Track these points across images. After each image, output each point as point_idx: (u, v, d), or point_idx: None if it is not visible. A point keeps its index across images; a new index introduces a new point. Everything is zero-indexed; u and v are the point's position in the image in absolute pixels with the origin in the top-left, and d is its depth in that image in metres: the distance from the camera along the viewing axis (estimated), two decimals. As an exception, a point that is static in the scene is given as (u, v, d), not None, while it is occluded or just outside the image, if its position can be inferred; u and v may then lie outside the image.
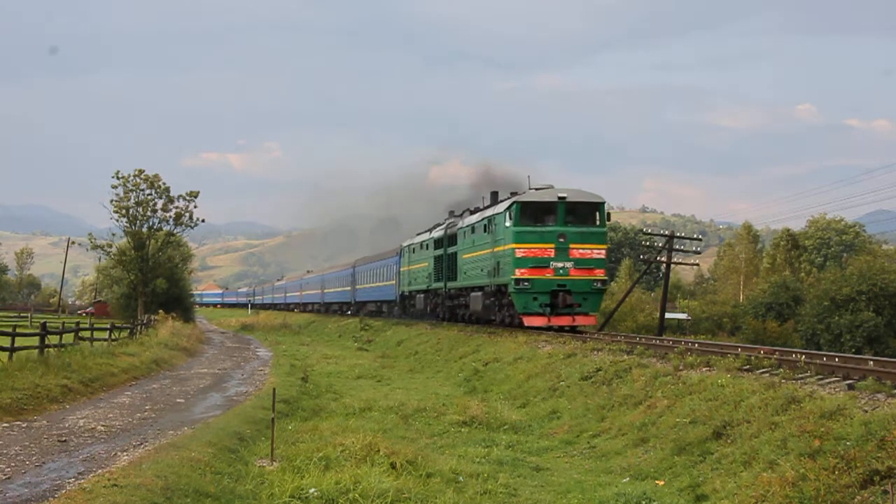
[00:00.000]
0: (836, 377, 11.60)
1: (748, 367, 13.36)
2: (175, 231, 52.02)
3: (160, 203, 50.39)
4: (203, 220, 53.15)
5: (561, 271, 24.88)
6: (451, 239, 34.03)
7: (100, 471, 9.47)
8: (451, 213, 38.35)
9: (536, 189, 26.52)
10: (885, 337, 40.09)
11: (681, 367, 14.70)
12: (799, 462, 8.66)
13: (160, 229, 51.31)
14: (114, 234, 51.40)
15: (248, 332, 57.73)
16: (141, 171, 50.12)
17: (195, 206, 51.34)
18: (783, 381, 11.76)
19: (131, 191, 49.59)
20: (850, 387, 10.68)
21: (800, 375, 12.05)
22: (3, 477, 9.21)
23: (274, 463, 11.14)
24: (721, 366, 13.76)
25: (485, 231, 28.54)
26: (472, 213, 33.20)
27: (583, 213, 25.63)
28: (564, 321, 25.28)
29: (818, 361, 13.28)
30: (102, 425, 13.07)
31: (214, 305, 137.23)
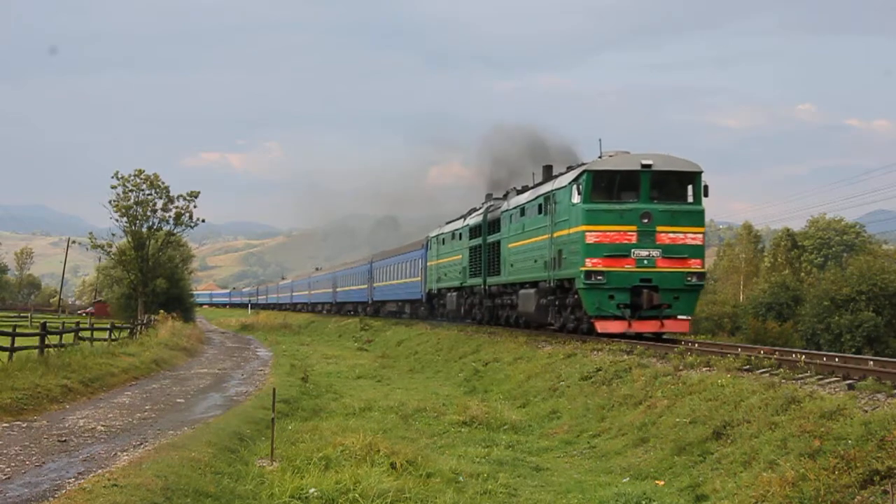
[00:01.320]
0: (836, 377, 11.60)
1: (748, 367, 13.36)
2: (175, 231, 52.05)
3: (160, 203, 50.46)
4: (203, 220, 53.20)
5: (645, 262, 19.81)
6: (492, 225, 28.94)
7: (100, 471, 9.46)
8: (490, 197, 32.70)
9: (610, 155, 21.05)
10: (885, 337, 40.08)
11: (681, 367, 14.70)
12: (799, 462, 8.66)
13: (160, 229, 51.34)
14: (114, 234, 51.43)
15: (248, 332, 57.74)
16: (141, 171, 50.15)
17: (195, 206, 51.42)
18: (783, 381, 11.77)
19: (131, 191, 49.63)
20: (850, 387, 10.68)
21: (800, 375, 12.05)
22: (3, 477, 9.21)
23: (274, 463, 11.14)
24: (721, 366, 13.76)
25: (540, 212, 23.13)
26: (520, 192, 27.14)
27: (674, 186, 20.36)
28: (650, 327, 20.17)
29: (818, 361, 13.28)
30: (102, 425, 13.06)
31: (223, 306, 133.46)
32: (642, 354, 17.13)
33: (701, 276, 20.31)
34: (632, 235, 19.81)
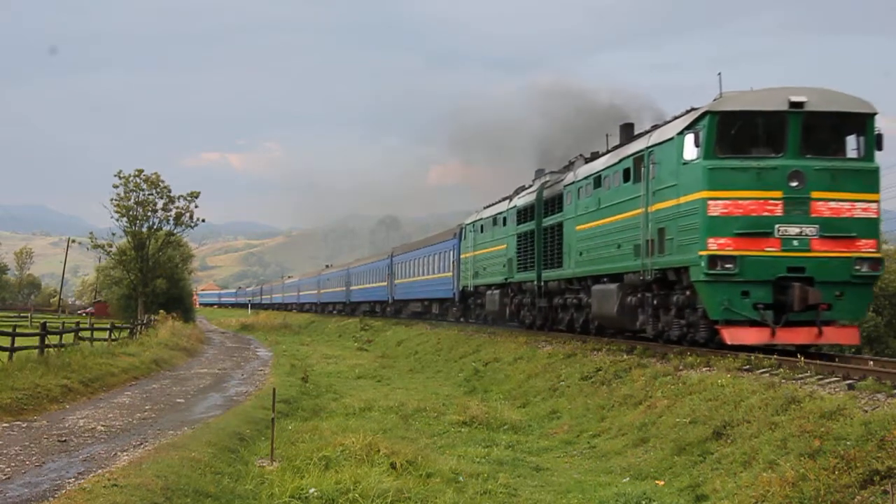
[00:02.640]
0: (836, 377, 11.59)
1: (748, 367, 13.35)
2: (175, 231, 52.10)
3: (160, 203, 50.51)
4: (203, 220, 53.25)
5: (795, 243, 14.28)
6: (549, 205, 23.52)
7: (100, 471, 9.47)
8: (541, 172, 27.07)
9: (741, 93, 15.00)
10: (885, 337, 40.04)
11: (681, 367, 14.70)
12: (799, 462, 8.66)
13: (160, 229, 51.38)
14: (114, 234, 51.49)
15: (248, 332, 57.74)
16: (141, 171, 50.20)
17: (196, 207, 51.48)
18: (783, 381, 11.76)
19: (132, 191, 49.69)
20: (850, 387, 10.68)
21: (800, 375, 12.04)
22: (3, 477, 9.21)
23: (274, 463, 11.14)
24: (721, 366, 13.76)
25: (627, 180, 17.75)
26: (591, 159, 21.84)
27: (834, 136, 14.97)
28: (802, 336, 14.45)
29: (818, 361, 13.27)
30: (102, 425, 13.07)
31: (230, 306, 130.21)
32: (642, 354, 17.13)
33: (876, 263, 14.47)
34: (775, 205, 14.28)
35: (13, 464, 9.91)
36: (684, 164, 15.01)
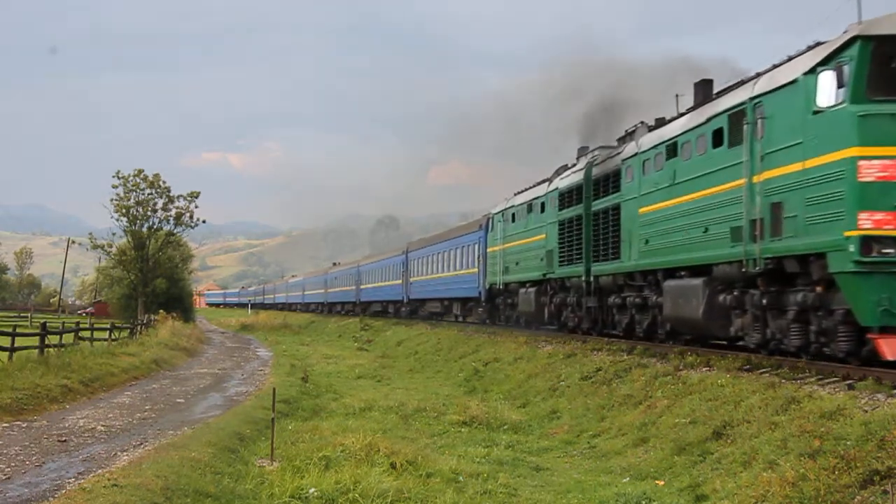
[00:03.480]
0: (835, 377, 11.58)
1: (748, 367, 13.34)
2: (175, 231, 52.15)
3: (160, 203, 50.56)
4: (203, 221, 53.31)
5: None
6: (600, 185, 19.77)
7: (100, 471, 9.47)
8: (585, 150, 23.25)
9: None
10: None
11: (681, 367, 14.69)
12: (799, 462, 8.65)
13: (160, 229, 51.42)
14: (114, 234, 51.56)
15: (247, 331, 57.72)
16: (140, 171, 50.23)
17: (196, 207, 51.53)
18: (783, 381, 11.75)
19: (131, 190, 49.73)
20: (850, 387, 10.67)
21: (800, 375, 12.03)
22: (3, 477, 9.21)
23: (274, 463, 11.14)
24: (721, 366, 13.76)
25: (719, 144, 14.23)
26: (655, 127, 17.93)
27: None
28: None
29: (818, 361, 13.25)
30: (102, 425, 13.07)
31: (235, 305, 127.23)
32: (642, 354, 17.13)
33: None
34: None
35: (13, 464, 9.91)
36: (817, 113, 11.38)
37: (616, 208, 18.76)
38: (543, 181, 25.35)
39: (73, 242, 73.54)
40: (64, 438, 11.74)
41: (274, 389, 13.44)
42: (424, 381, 23.90)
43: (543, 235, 24.04)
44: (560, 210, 22.62)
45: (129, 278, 52.27)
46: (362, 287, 58.05)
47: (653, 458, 11.42)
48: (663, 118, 18.35)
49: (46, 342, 20.04)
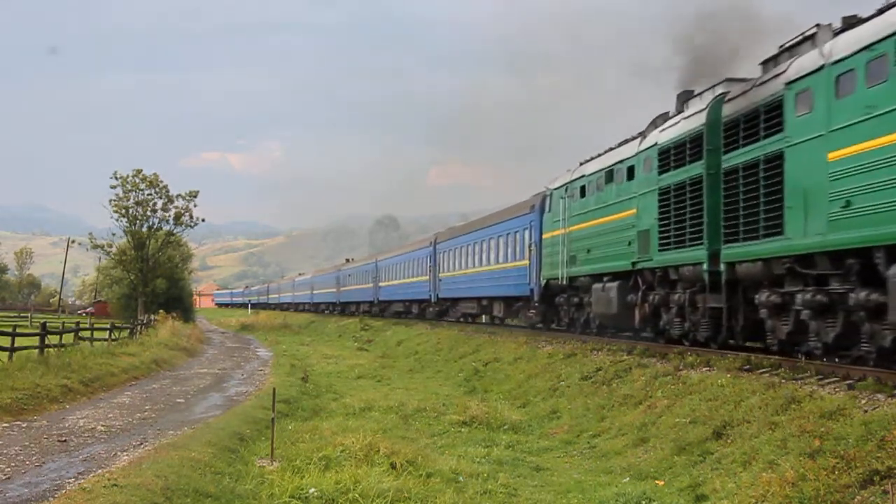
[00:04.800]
0: (836, 377, 11.58)
1: (748, 367, 13.34)
2: (175, 231, 52.21)
3: (160, 203, 50.62)
4: (203, 220, 53.38)
5: None
6: (742, 127, 14.00)
7: (100, 471, 9.47)
8: (688, 94, 17.44)
9: None
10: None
11: (681, 367, 14.70)
12: (799, 462, 8.65)
13: (160, 229, 51.48)
14: (114, 234, 51.66)
15: (247, 331, 57.73)
16: (139, 171, 50.28)
17: (195, 206, 51.60)
18: (783, 381, 11.75)
19: (131, 191, 49.79)
20: (850, 387, 10.67)
21: (800, 375, 12.03)
22: (3, 477, 9.21)
23: (274, 463, 11.14)
24: (721, 366, 13.76)
25: None
26: (849, 28, 11.85)
27: None
28: None
29: (818, 361, 13.25)
30: (102, 425, 13.07)
31: (240, 305, 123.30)
32: (642, 354, 17.13)
33: None
34: None
35: (13, 464, 9.91)
36: None
37: (775, 158, 12.99)
38: (628, 140, 19.48)
39: (73, 242, 73.57)
40: (64, 438, 11.74)
41: (274, 389, 13.44)
42: (424, 381, 23.89)
43: (631, 211, 18.17)
44: (661, 174, 16.80)
45: (129, 278, 52.33)
46: (381, 285, 51.65)
47: (653, 458, 11.42)
48: (854, 16, 12.25)
49: (46, 342, 20.05)
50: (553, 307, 25.02)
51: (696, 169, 15.56)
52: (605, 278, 19.86)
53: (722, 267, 14.66)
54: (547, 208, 24.78)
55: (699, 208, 15.40)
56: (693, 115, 16.14)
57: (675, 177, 16.40)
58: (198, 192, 52.11)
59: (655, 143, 17.36)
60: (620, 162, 19.12)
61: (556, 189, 23.77)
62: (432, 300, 40.46)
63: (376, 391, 20.63)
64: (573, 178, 22.22)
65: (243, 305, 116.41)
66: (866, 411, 9.36)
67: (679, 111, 17.66)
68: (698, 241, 15.42)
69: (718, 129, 14.91)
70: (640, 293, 18.40)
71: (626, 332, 20.22)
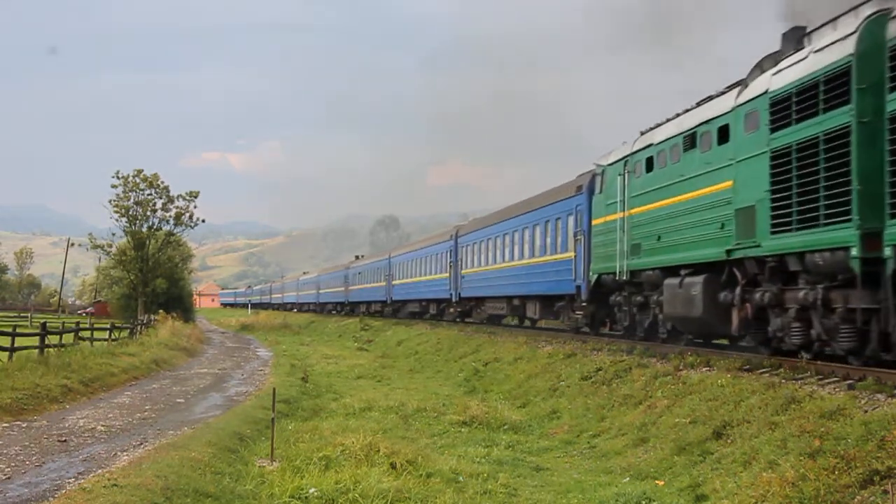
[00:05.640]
0: (836, 377, 11.59)
1: (748, 367, 13.35)
2: (175, 231, 52.23)
3: (160, 203, 50.65)
4: (203, 220, 53.39)
5: None
6: None
7: (100, 471, 9.47)
8: (799, 31, 13.71)
9: None
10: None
11: (681, 367, 14.70)
12: (799, 462, 8.65)
13: (160, 229, 51.50)
14: (114, 234, 51.67)
15: (247, 331, 57.75)
16: (140, 171, 50.30)
17: (195, 206, 51.62)
18: (783, 381, 11.76)
19: (131, 191, 49.81)
20: (850, 387, 10.67)
21: (800, 375, 12.03)
22: (3, 477, 9.21)
23: (274, 463, 11.14)
24: (721, 366, 13.76)
25: None
26: None
27: None
28: None
29: (818, 361, 13.26)
30: (102, 425, 13.07)
31: (244, 305, 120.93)
32: (642, 354, 17.13)
33: None
34: None
35: (13, 464, 9.91)
36: None
37: None
38: (715, 96, 15.57)
39: (73, 243, 73.61)
40: (64, 438, 11.74)
41: (274, 389, 13.45)
42: (424, 381, 23.89)
43: (725, 184, 14.30)
44: (776, 130, 12.84)
45: (129, 278, 52.33)
46: (395, 283, 47.96)
47: (653, 458, 11.43)
48: None
49: (46, 342, 20.06)
50: (605, 307, 21.01)
51: (839, 118, 11.42)
52: (682, 272, 15.90)
53: (886, 252, 10.55)
54: (598, 189, 20.67)
55: (844, 172, 11.26)
56: (831, 45, 11.88)
57: (799, 132, 12.28)
58: (198, 192, 52.13)
59: (766, 91, 13.18)
60: (707, 122, 15.07)
61: (610, 165, 19.61)
62: (453, 299, 36.73)
63: (376, 391, 20.63)
64: (635, 149, 18.24)
65: (247, 305, 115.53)
66: (866, 411, 9.36)
67: (796, 49, 13.44)
68: (842, 218, 11.26)
69: (880, 59, 10.84)
70: (737, 290, 14.30)
71: (714, 341, 17.12)
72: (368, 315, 54.07)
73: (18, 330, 19.71)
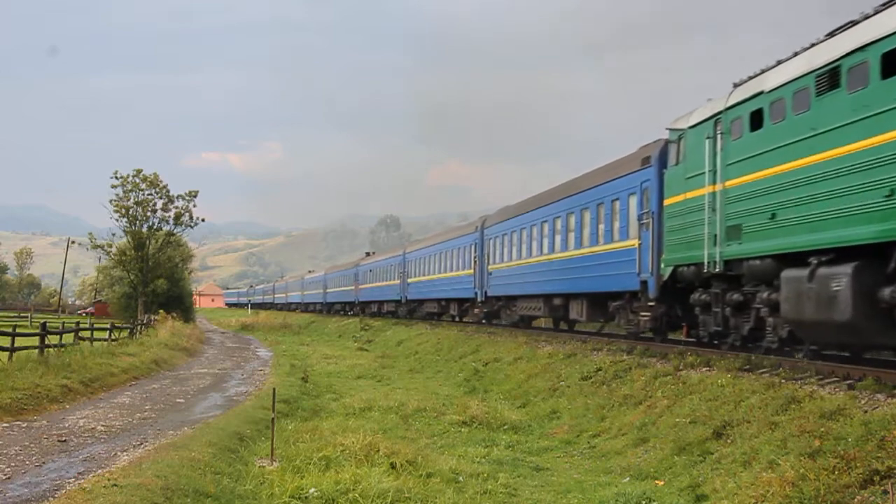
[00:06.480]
0: (836, 377, 11.59)
1: (748, 367, 13.35)
2: (175, 231, 52.23)
3: (160, 203, 50.66)
4: (203, 220, 53.39)
5: None
6: None
7: (100, 471, 9.47)
8: None
9: None
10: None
11: (681, 367, 14.70)
12: (799, 462, 8.65)
13: (160, 229, 51.50)
14: (114, 234, 51.68)
15: (248, 332, 57.74)
16: (140, 171, 50.32)
17: (195, 206, 51.63)
18: (783, 381, 11.76)
19: (131, 191, 49.83)
20: (850, 387, 10.68)
21: (800, 375, 12.04)
22: (3, 477, 9.21)
23: (274, 463, 11.14)
24: (721, 366, 13.76)
25: None
26: None
27: None
28: None
29: (818, 361, 13.26)
30: (102, 425, 13.07)
31: (246, 305, 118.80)
32: (642, 354, 17.13)
33: None
34: None
35: (13, 464, 9.91)
36: None
37: None
38: (858, 21, 11.57)
39: (73, 242, 73.62)
40: (64, 438, 11.74)
41: (274, 389, 13.44)
42: (424, 381, 23.89)
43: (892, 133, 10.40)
44: None
45: (129, 278, 52.36)
46: (410, 281, 44.40)
47: (653, 458, 11.43)
48: None
49: (46, 342, 20.05)
50: (680, 308, 17.38)
51: None
52: (813, 259, 11.95)
53: None
54: (672, 160, 16.94)
55: None
56: None
57: None
58: (197, 192, 52.14)
59: None
60: (863, 49, 10.97)
61: (692, 128, 15.90)
62: (478, 299, 32.77)
63: (376, 391, 20.62)
64: (731, 102, 14.41)
65: (253, 305, 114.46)
66: (866, 411, 9.36)
67: None
68: None
69: None
70: None
71: (861, 354, 13.56)
72: (380, 316, 52.03)
73: (18, 330, 19.69)
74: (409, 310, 46.01)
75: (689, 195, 15.91)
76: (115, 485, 8.54)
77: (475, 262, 33.21)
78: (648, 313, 18.58)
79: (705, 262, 15.11)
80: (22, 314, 72.40)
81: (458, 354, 27.03)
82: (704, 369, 14.12)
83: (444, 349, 29.42)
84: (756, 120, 13.65)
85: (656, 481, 10.53)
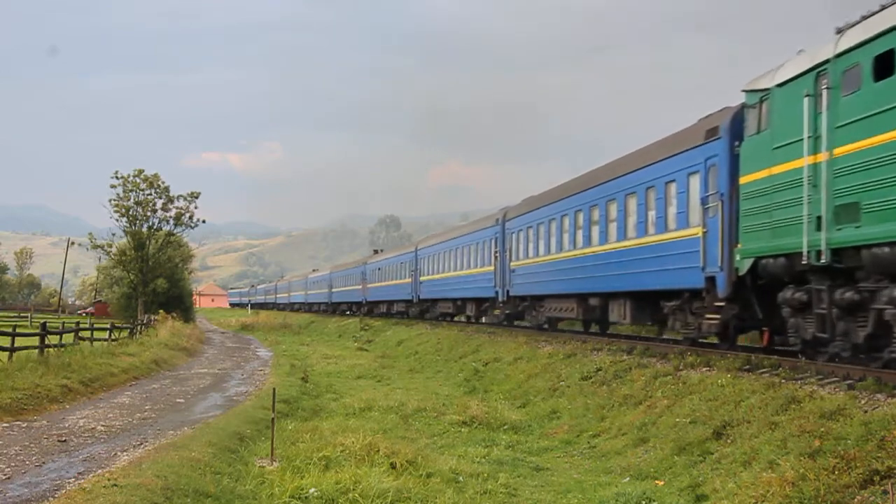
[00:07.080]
0: (836, 377, 11.59)
1: (748, 367, 13.35)
2: (175, 231, 52.27)
3: (160, 203, 50.70)
4: (203, 221, 53.43)
5: None
6: None
7: (100, 471, 9.47)
8: None
9: None
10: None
11: (681, 367, 14.70)
12: (799, 462, 8.65)
13: (160, 229, 51.54)
14: (114, 234, 51.73)
15: (248, 332, 57.74)
16: (140, 171, 50.35)
17: (196, 207, 51.67)
18: (783, 381, 11.76)
19: (131, 191, 49.87)
20: (850, 387, 10.67)
21: (800, 375, 12.04)
22: (3, 477, 9.21)
23: (274, 463, 11.14)
24: (721, 366, 13.76)
25: None
26: None
27: None
28: None
29: (818, 361, 13.25)
30: (102, 425, 13.07)
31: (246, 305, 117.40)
32: (642, 354, 17.13)
33: None
34: None
35: (13, 464, 9.91)
36: None
37: None
38: None
39: (73, 243, 73.64)
40: (64, 438, 11.74)
41: (274, 389, 13.44)
42: (424, 381, 23.89)
43: None
44: None
45: (129, 278, 52.39)
46: (423, 280, 41.39)
47: (653, 458, 11.43)
48: None
49: (46, 342, 20.05)
50: (763, 308, 14.24)
51: None
52: None
53: None
54: (752, 128, 13.78)
55: None
56: None
57: None
58: (199, 193, 52.20)
59: None
60: None
61: (781, 86, 12.84)
62: (499, 298, 29.64)
63: (376, 391, 20.62)
64: (842, 48, 11.33)
65: (255, 304, 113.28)
66: (866, 411, 9.36)
67: None
68: None
69: None
70: None
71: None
72: (390, 317, 49.60)
73: (18, 330, 19.71)
74: (422, 310, 42.85)
75: (778, 169, 12.78)
76: (115, 485, 8.54)
77: (496, 258, 30.03)
78: (716, 315, 15.33)
79: (804, 251, 11.97)
80: (22, 314, 72.41)
81: (458, 354, 27.03)
82: (704, 369, 14.12)
83: (444, 349, 29.41)
84: (882, 66, 10.46)
85: (656, 481, 10.53)
